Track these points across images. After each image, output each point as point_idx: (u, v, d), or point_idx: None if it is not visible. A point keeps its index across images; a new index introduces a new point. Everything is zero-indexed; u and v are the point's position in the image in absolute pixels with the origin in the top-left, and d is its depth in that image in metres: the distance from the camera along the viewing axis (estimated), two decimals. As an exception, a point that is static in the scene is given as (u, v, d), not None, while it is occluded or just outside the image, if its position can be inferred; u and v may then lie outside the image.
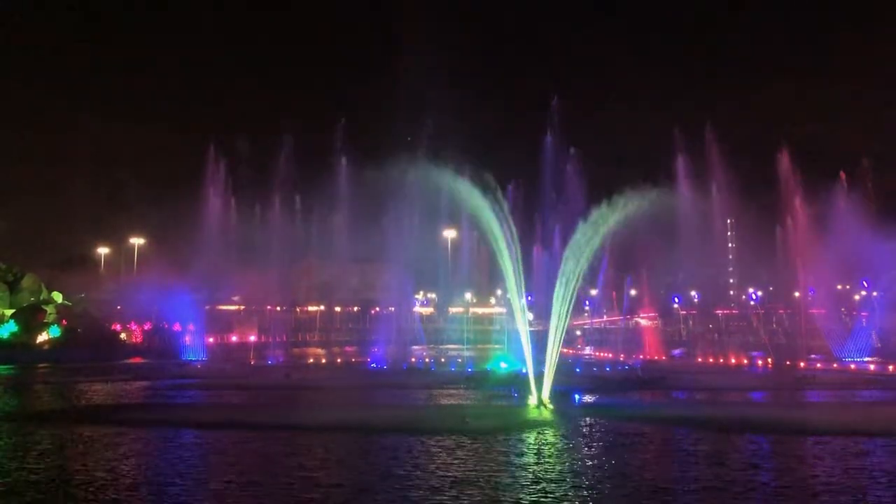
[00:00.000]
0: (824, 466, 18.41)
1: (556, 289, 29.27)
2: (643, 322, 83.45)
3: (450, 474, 17.15)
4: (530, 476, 16.88)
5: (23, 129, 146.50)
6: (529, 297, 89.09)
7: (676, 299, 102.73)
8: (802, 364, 47.38)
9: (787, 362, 47.99)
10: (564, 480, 16.46)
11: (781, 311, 79.99)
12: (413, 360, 52.12)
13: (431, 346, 66.84)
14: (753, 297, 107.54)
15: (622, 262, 79.77)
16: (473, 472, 17.32)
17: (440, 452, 19.88)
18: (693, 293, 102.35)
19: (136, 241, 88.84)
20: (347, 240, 70.09)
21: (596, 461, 18.99)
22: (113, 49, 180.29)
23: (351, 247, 72.10)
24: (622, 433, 23.05)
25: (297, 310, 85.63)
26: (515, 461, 18.92)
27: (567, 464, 18.68)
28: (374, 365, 51.03)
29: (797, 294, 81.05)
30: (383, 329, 64.63)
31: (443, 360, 51.74)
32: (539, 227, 70.85)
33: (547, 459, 19.29)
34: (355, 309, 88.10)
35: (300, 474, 17.08)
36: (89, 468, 17.45)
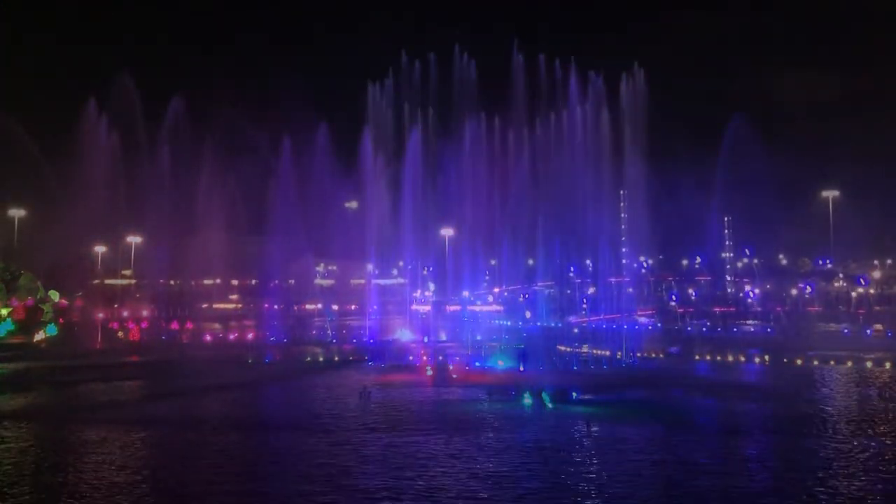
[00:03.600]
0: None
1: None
2: (641, 320, 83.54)
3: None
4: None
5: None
6: (526, 295, 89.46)
7: (674, 297, 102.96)
8: (800, 362, 47.17)
9: (785, 360, 47.71)
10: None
11: (779, 309, 79.96)
12: (411, 358, 51.87)
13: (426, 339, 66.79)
14: (750, 294, 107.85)
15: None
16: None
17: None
18: (691, 291, 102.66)
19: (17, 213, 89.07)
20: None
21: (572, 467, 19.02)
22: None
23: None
24: (616, 438, 23.10)
25: (193, 283, 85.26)
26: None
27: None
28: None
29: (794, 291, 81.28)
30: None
31: (440, 357, 51.56)
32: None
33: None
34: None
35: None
36: None
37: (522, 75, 71.44)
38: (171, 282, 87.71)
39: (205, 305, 66.68)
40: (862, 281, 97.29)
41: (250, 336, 65.98)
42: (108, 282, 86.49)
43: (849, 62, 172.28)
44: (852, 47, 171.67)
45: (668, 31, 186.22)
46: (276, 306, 67.66)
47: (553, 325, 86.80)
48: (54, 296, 70.06)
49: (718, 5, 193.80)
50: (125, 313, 78.52)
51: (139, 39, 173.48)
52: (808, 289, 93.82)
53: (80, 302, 74.56)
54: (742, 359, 49.13)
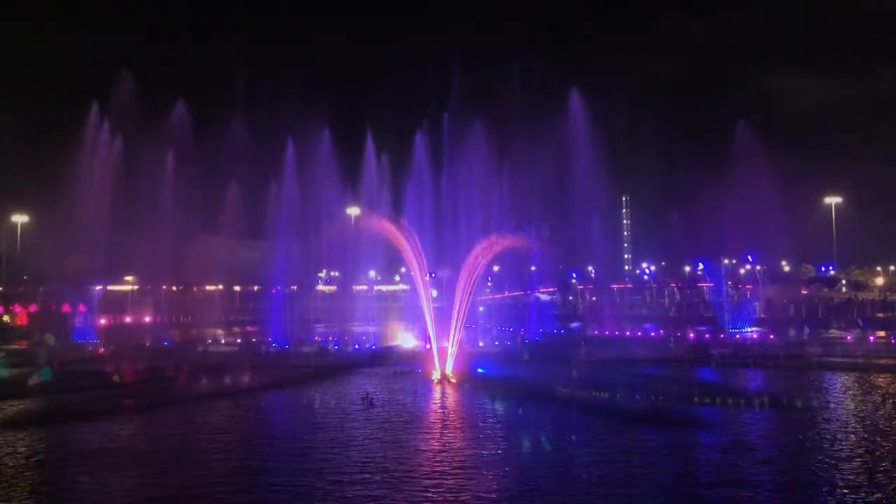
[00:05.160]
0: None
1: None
2: (543, 297, 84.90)
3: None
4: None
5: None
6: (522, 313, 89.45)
7: (574, 274, 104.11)
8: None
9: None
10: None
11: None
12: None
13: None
14: (647, 271, 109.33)
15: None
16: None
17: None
18: (590, 268, 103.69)
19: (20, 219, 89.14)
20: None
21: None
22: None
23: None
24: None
25: (194, 289, 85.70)
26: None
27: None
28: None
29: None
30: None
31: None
32: None
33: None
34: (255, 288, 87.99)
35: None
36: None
37: (523, 84, 71.65)
38: (174, 287, 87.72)
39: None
40: (857, 295, 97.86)
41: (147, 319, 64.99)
42: (110, 288, 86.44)
43: (852, 67, 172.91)
44: (856, 52, 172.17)
45: (669, 37, 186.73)
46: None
47: (556, 331, 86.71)
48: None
49: (720, 11, 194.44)
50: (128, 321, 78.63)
51: (139, 43, 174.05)
52: (807, 294, 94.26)
53: (83, 308, 74.52)
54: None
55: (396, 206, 73.88)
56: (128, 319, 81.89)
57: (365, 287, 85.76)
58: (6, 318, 72.39)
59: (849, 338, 65.80)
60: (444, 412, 30.57)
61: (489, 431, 25.88)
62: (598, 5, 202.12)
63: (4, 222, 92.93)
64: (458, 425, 27.00)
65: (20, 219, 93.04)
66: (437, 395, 35.67)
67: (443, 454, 21.99)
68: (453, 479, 18.89)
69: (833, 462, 20.76)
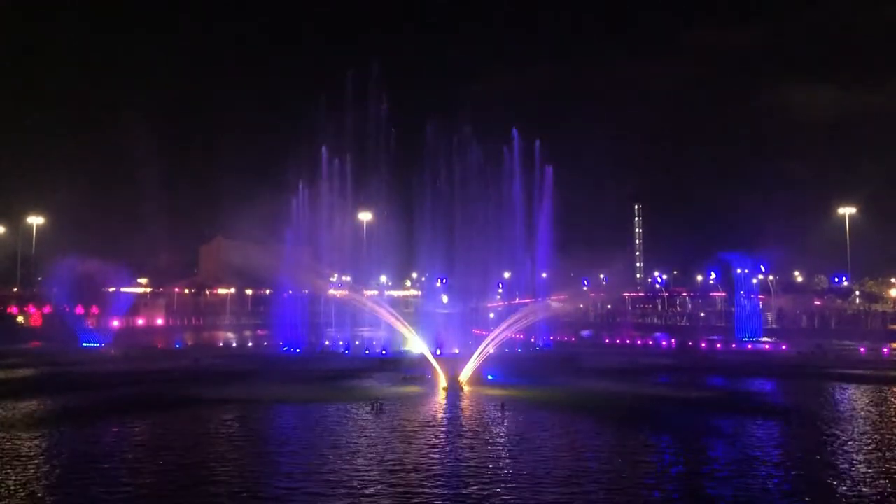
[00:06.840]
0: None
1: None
2: (554, 304, 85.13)
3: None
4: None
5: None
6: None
7: (585, 282, 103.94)
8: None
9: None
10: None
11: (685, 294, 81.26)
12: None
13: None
14: (659, 280, 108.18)
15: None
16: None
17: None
18: (601, 276, 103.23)
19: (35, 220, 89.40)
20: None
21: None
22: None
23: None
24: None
25: (207, 292, 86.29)
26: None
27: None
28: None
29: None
30: None
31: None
32: None
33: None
34: (267, 291, 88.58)
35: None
36: None
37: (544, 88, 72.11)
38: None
39: (111, 289, 67.13)
40: (870, 307, 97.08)
41: (159, 322, 65.13)
42: (124, 290, 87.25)
43: (866, 78, 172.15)
44: (870, 63, 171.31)
45: (684, 47, 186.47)
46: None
47: (566, 339, 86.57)
48: None
49: (738, 22, 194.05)
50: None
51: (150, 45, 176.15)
52: (820, 305, 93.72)
53: (97, 310, 75.20)
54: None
55: (408, 210, 74.28)
56: (140, 322, 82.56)
57: (376, 292, 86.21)
58: (21, 318, 73.06)
59: (862, 349, 65.46)
60: (451, 419, 30.49)
61: (502, 439, 25.76)
62: (617, 16, 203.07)
63: (20, 224, 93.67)
64: (468, 432, 26.91)
65: (35, 220, 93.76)
66: (446, 401, 35.60)
67: (450, 460, 21.95)
68: (469, 488, 18.80)
69: (848, 472, 20.63)
